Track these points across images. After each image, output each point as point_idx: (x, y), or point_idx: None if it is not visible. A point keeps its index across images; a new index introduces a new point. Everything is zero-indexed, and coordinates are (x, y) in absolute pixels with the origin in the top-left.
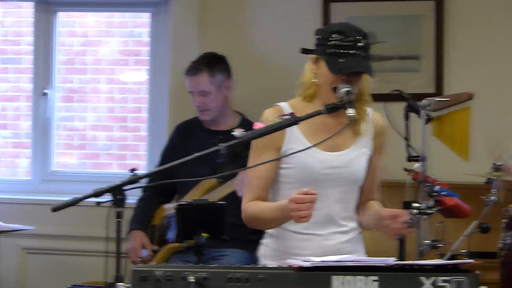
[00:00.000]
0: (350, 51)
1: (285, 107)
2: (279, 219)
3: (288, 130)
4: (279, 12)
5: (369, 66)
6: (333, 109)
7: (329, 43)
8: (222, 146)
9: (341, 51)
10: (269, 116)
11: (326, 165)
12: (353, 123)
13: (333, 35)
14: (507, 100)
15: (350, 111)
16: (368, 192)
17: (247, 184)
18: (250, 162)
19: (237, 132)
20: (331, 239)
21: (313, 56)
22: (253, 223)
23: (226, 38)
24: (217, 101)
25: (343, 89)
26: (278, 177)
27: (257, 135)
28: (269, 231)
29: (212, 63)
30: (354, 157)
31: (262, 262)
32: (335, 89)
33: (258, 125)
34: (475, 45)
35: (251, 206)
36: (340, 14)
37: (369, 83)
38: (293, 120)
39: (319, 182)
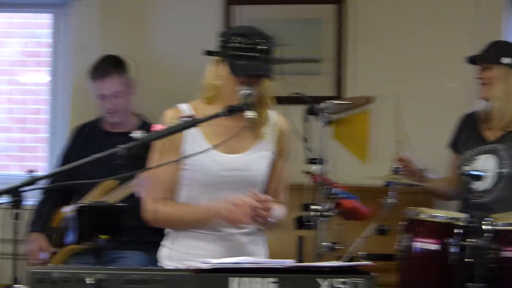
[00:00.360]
0: (251, 54)
1: (185, 108)
2: (202, 221)
3: (189, 131)
4: (181, 15)
5: (270, 69)
6: (232, 111)
7: (230, 45)
8: (120, 147)
9: (242, 53)
10: (168, 118)
11: (224, 167)
12: (254, 125)
13: (234, 38)
14: (406, 103)
15: (249, 114)
16: (273, 196)
17: (149, 185)
18: (152, 164)
19: (136, 134)
20: (232, 239)
21: (215, 58)
22: (167, 224)
23: (128, 39)
24: (126, 102)
25: (243, 91)
26: (179, 179)
27: (156, 137)
28: (170, 232)
29: (120, 64)
30: (253, 159)
31: (163, 263)
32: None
33: (156, 127)
34: (375, 49)
35: (164, 207)
36: (242, 16)
37: (270, 86)
38: (192, 122)
39: (217, 184)
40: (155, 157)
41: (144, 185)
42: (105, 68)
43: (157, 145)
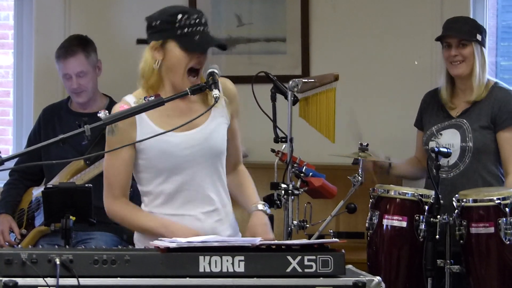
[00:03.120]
0: (200, 28)
1: (130, 99)
2: (152, 233)
3: (138, 122)
4: None
5: (219, 40)
6: (198, 90)
7: (176, 25)
8: (86, 128)
9: (193, 29)
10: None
11: (184, 145)
12: (203, 96)
13: (179, 16)
14: (372, 81)
15: (216, 92)
16: (234, 158)
17: (105, 181)
18: (106, 162)
19: (102, 114)
20: (202, 219)
21: (154, 43)
22: (119, 222)
23: (91, 20)
24: (93, 82)
25: (209, 70)
26: (139, 169)
27: (122, 117)
28: None
29: (85, 43)
30: (212, 129)
31: (136, 245)
32: (189, 70)
33: (123, 107)
34: (340, 27)
35: (120, 211)
36: None
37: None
38: (159, 101)
39: (182, 164)
40: (110, 155)
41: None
42: (70, 47)
43: (111, 142)
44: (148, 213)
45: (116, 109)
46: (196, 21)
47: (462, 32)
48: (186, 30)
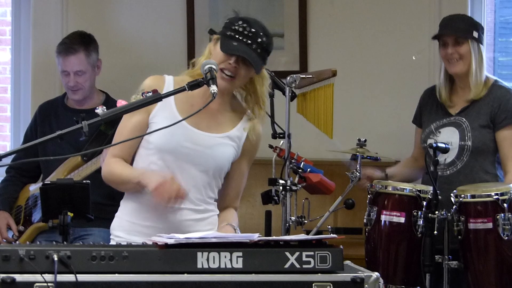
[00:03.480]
0: (247, 40)
1: (169, 79)
2: (131, 181)
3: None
4: None
5: (258, 60)
6: (195, 85)
7: (232, 27)
8: (84, 124)
9: (239, 37)
10: (147, 85)
11: (189, 139)
12: (237, 114)
13: (239, 22)
14: (370, 76)
15: (213, 88)
16: (229, 199)
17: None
18: (121, 123)
19: (100, 110)
20: (181, 213)
21: (216, 36)
22: (110, 180)
23: (89, 16)
24: (90, 80)
25: (207, 65)
26: (142, 141)
27: (119, 113)
28: (124, 203)
29: (88, 42)
30: (220, 143)
31: (113, 233)
32: (222, 71)
33: (121, 102)
34: (338, 22)
35: (112, 163)
36: None
37: (266, 86)
38: (155, 97)
39: (177, 154)
40: (125, 117)
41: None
42: (71, 44)
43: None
44: (132, 167)
45: (146, 81)
46: (249, 34)
47: (458, 30)
48: (233, 33)
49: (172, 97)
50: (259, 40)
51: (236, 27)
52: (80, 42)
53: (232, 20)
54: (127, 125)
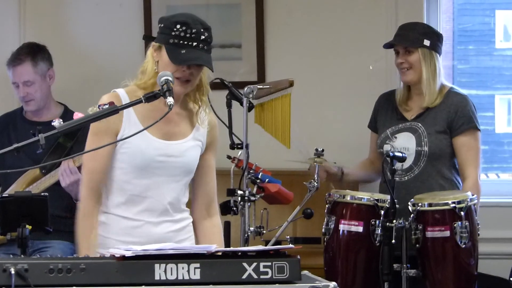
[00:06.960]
0: (193, 43)
1: (122, 93)
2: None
3: (126, 115)
4: (99, 0)
5: (210, 59)
6: (152, 97)
7: (172, 33)
8: (41, 136)
9: (184, 42)
10: (103, 102)
11: (160, 153)
12: (191, 113)
13: (177, 26)
14: (327, 86)
15: (170, 100)
16: (206, 197)
17: (83, 173)
18: (88, 147)
19: (57, 122)
20: (161, 227)
21: (154, 44)
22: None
23: (46, 28)
24: (41, 91)
25: (163, 77)
26: (113, 162)
27: (76, 125)
28: (100, 218)
29: (35, 52)
30: (190, 147)
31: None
32: (177, 79)
33: (78, 115)
34: (295, 32)
35: (80, 221)
36: (161, 2)
37: (207, 73)
38: (112, 110)
39: (152, 169)
40: (92, 141)
41: (68, 174)
42: (18, 55)
43: (95, 128)
44: (91, 241)
45: (103, 98)
46: (192, 36)
47: (407, 39)
48: (177, 40)
49: (133, 114)
50: (203, 37)
51: (177, 33)
52: (26, 52)
53: (168, 24)
54: (99, 152)
